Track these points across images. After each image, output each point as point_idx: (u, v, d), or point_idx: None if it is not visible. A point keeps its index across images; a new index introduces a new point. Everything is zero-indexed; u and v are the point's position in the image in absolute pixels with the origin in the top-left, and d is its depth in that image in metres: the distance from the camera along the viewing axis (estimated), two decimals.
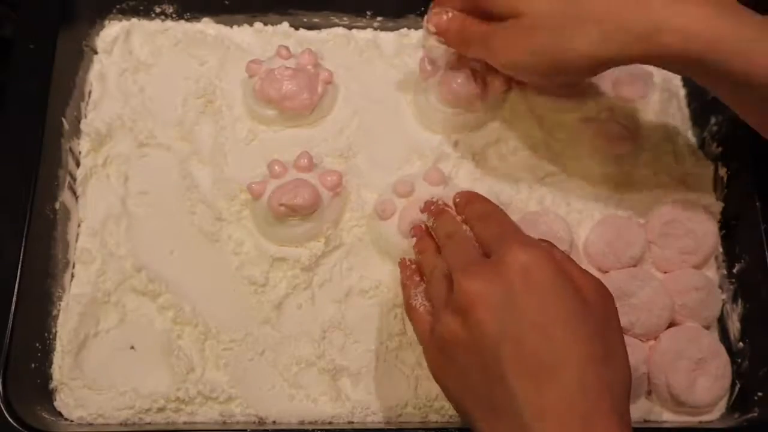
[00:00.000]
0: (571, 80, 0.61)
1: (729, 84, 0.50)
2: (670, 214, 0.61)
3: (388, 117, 0.64)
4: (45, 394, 0.55)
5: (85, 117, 0.63)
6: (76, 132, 0.62)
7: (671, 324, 0.59)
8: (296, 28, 0.68)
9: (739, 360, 0.59)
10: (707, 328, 0.60)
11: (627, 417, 0.43)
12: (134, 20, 0.67)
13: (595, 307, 0.44)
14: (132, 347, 0.57)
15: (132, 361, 0.56)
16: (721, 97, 0.53)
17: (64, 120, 0.61)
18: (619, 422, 0.41)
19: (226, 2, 0.67)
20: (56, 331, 0.56)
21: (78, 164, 0.62)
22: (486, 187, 0.62)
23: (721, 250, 0.62)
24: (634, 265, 0.60)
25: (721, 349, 0.58)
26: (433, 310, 0.49)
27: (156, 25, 0.67)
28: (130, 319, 0.58)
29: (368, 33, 0.69)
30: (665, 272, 0.61)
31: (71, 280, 0.58)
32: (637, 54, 0.49)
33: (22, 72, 0.60)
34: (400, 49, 0.67)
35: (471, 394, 0.44)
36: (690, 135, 0.66)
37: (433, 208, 0.55)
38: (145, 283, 0.58)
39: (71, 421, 0.55)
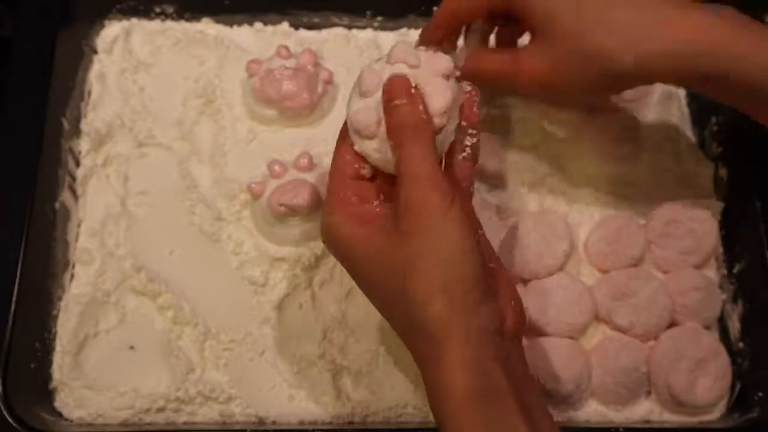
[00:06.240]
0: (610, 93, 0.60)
1: (736, 92, 0.50)
2: (670, 214, 0.61)
3: None
4: (45, 394, 0.55)
5: (85, 117, 0.63)
6: (76, 132, 0.62)
7: (671, 324, 0.59)
8: (296, 28, 0.68)
9: (739, 360, 0.59)
10: (707, 328, 0.60)
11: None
12: (134, 20, 0.67)
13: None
14: (132, 347, 0.57)
15: (132, 361, 0.56)
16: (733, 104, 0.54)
17: (64, 120, 0.61)
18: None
19: (226, 2, 0.67)
20: (56, 331, 0.56)
21: (78, 164, 0.62)
22: (487, 186, 0.62)
23: (721, 250, 0.62)
24: (634, 265, 0.60)
25: (721, 349, 0.58)
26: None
27: (156, 25, 0.67)
28: (130, 319, 0.58)
29: (368, 33, 0.69)
30: (665, 272, 0.61)
31: (71, 280, 0.58)
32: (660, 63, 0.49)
33: (22, 72, 0.60)
34: None
35: None
36: (690, 135, 0.66)
37: None
38: (144, 283, 0.58)
39: (71, 421, 0.55)
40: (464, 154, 0.47)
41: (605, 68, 0.50)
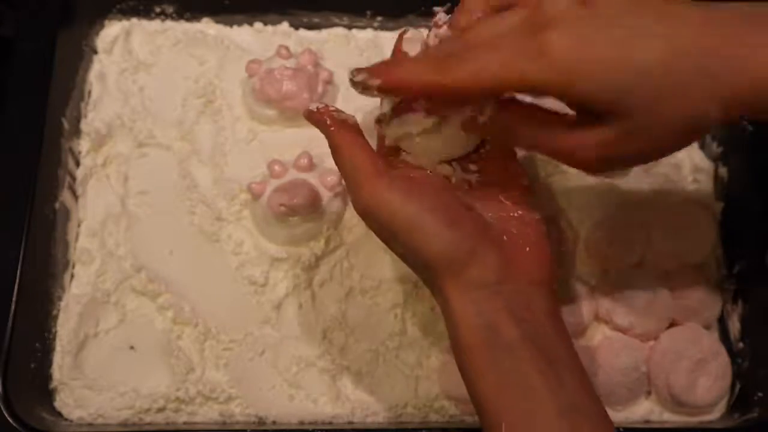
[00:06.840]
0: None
1: None
2: (670, 215, 0.61)
3: None
4: (45, 394, 0.55)
5: (85, 117, 0.63)
6: (76, 132, 0.62)
7: (671, 324, 0.59)
8: (296, 28, 0.68)
9: (739, 360, 0.59)
10: (707, 328, 0.60)
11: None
12: (134, 20, 0.67)
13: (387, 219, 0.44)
14: (132, 347, 0.57)
15: (132, 361, 0.56)
16: None
17: (64, 120, 0.61)
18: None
19: (226, 2, 0.67)
20: (56, 331, 0.56)
21: (78, 164, 0.62)
22: None
23: (721, 250, 0.62)
24: (634, 265, 0.60)
25: (721, 349, 0.58)
26: None
27: (156, 25, 0.67)
28: (130, 319, 0.58)
29: (368, 33, 0.68)
30: (665, 272, 0.60)
31: (71, 280, 0.58)
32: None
33: (22, 72, 0.60)
34: None
35: None
36: None
37: None
38: (144, 283, 0.58)
39: (71, 421, 0.55)
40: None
41: (694, 125, 0.42)
